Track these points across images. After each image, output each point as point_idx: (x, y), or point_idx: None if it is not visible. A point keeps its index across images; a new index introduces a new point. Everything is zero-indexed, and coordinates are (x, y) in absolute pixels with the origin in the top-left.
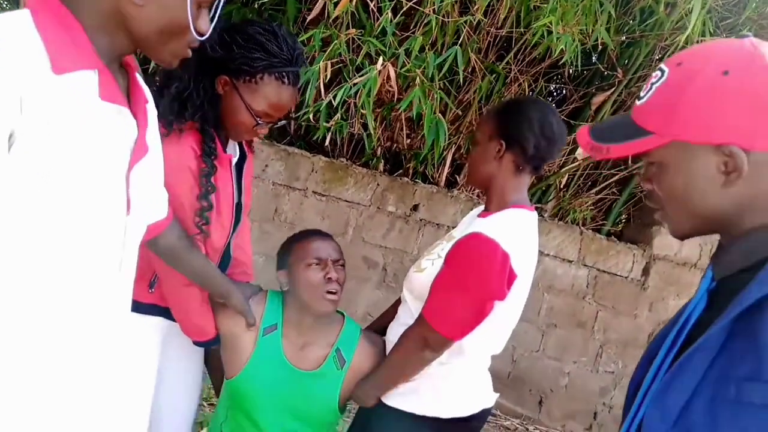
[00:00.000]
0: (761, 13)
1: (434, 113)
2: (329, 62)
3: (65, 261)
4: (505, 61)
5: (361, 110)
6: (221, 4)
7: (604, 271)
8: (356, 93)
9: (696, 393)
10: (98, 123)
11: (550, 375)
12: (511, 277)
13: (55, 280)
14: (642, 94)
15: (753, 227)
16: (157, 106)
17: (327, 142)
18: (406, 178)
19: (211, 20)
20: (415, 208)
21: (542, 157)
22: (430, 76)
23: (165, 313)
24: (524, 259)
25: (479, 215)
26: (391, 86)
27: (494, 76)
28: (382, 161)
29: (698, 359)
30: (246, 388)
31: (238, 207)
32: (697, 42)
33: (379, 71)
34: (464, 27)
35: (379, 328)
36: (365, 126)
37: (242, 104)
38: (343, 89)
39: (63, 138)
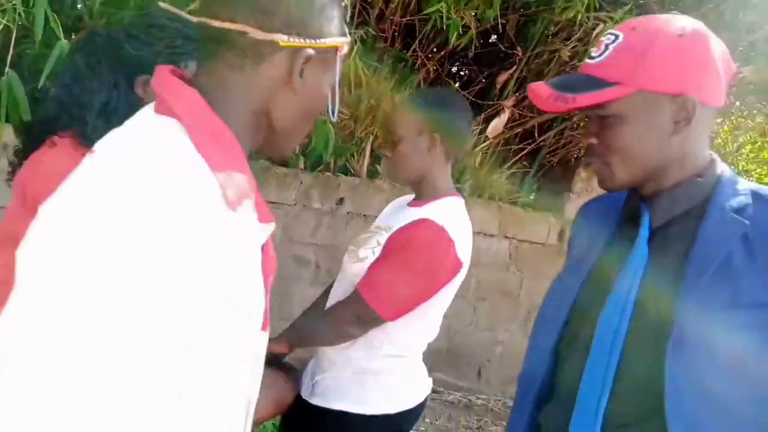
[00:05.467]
0: None
1: (327, 122)
2: None
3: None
4: (412, 49)
5: None
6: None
7: (524, 241)
8: None
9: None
10: (258, 250)
11: (485, 346)
12: (457, 265)
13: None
14: (595, 54)
15: (683, 178)
16: (82, 125)
17: None
18: (328, 173)
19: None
20: (341, 201)
21: (466, 145)
22: None
23: None
24: (466, 247)
25: (411, 204)
26: None
27: (403, 63)
28: (302, 158)
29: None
30: None
31: None
32: (587, 17)
33: None
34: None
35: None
36: None
37: None
38: None
39: (238, 276)
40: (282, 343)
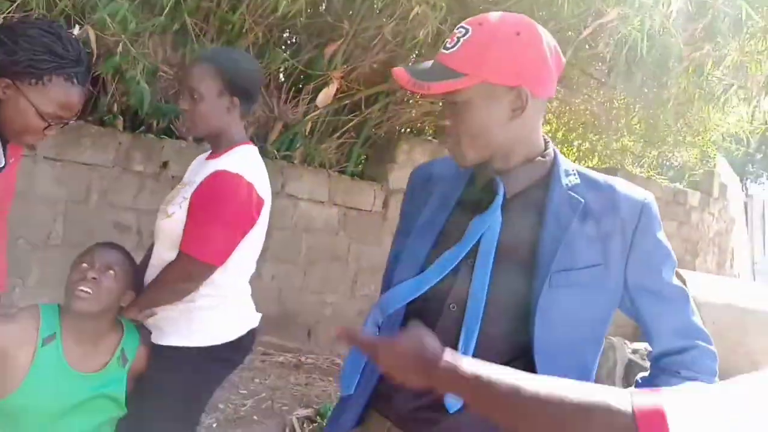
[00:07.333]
0: None
1: (141, 81)
2: (15, 16)
3: None
4: (239, 12)
5: None
6: None
7: (352, 208)
8: None
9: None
10: None
11: (315, 308)
12: (259, 203)
13: None
14: (449, 45)
15: (529, 157)
16: None
17: None
18: (151, 135)
19: None
20: (165, 165)
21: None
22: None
23: None
24: (265, 185)
25: (209, 157)
26: (90, 48)
27: (230, 26)
28: (121, 118)
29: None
30: (25, 403)
31: None
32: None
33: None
34: None
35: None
36: (94, 83)
37: (30, 107)
38: None
39: None
40: (132, 310)
